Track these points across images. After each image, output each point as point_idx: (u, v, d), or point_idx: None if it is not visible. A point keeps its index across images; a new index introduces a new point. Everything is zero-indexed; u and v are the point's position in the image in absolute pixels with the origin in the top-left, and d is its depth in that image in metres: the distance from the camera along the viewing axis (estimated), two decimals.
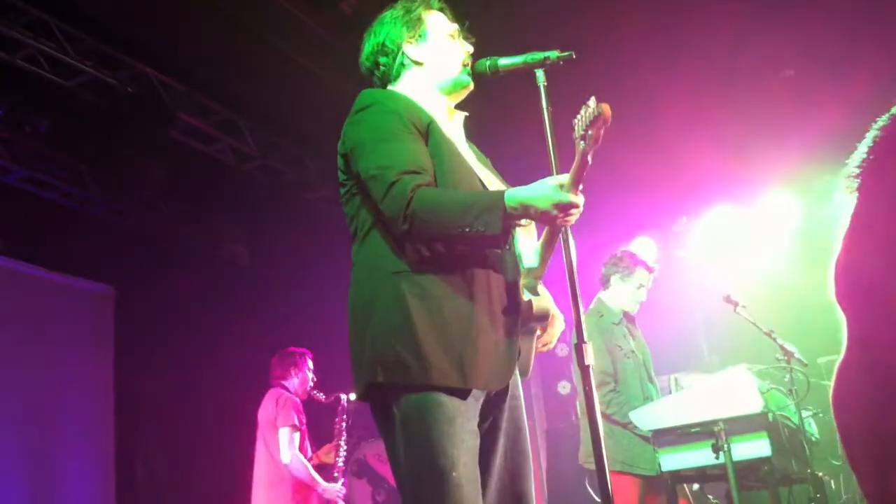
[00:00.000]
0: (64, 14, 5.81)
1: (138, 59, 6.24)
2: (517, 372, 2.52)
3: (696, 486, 5.33)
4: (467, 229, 2.24)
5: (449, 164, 2.44)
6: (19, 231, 6.79)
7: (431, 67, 2.66)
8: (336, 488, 5.94)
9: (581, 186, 2.22)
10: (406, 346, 2.30)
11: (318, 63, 6.26)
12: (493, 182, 2.59)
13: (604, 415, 4.89)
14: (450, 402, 2.29)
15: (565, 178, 2.23)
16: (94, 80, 6.22)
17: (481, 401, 2.41)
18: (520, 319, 2.44)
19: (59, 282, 7.25)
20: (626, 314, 5.32)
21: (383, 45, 2.68)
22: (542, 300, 2.44)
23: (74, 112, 6.40)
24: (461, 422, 2.29)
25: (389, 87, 2.69)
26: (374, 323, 2.39)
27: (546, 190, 2.23)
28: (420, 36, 2.67)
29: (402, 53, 2.67)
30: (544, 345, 2.60)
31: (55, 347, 7.08)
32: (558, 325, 2.59)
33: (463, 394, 2.32)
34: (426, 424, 2.27)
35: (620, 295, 5.30)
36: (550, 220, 2.28)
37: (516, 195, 2.26)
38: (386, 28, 2.70)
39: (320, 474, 5.95)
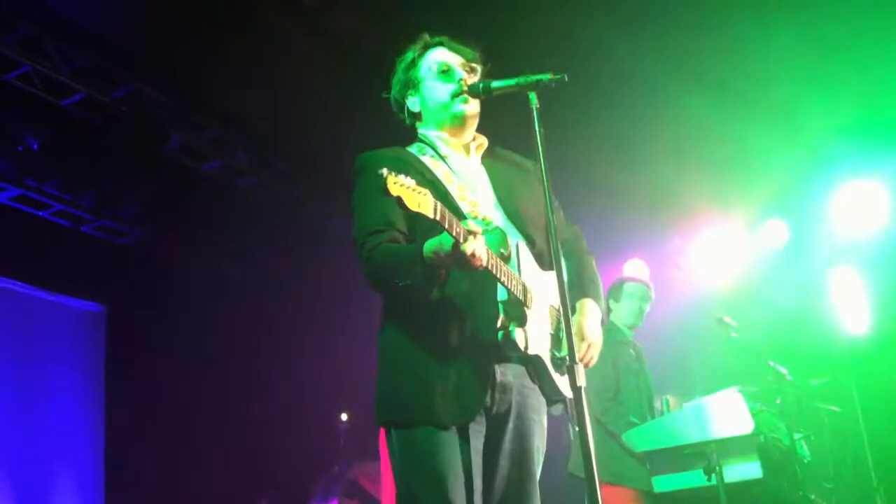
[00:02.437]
0: (57, 32, 5.83)
1: (131, 77, 6.26)
2: (526, 394, 2.60)
3: None
4: (400, 283, 2.46)
5: None
6: (11, 249, 6.77)
7: (426, 113, 2.80)
8: None
9: (466, 235, 2.25)
10: (387, 391, 2.59)
11: (310, 80, 6.28)
12: (484, 208, 2.66)
13: (598, 422, 4.90)
14: (436, 431, 2.46)
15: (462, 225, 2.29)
16: (87, 98, 6.24)
17: (474, 423, 2.50)
18: (495, 353, 2.52)
19: (50, 300, 7.23)
20: (634, 331, 5.45)
21: (395, 103, 2.87)
22: (514, 333, 2.47)
23: (67, 130, 6.40)
24: (450, 445, 2.45)
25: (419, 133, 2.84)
26: (378, 368, 2.66)
27: (441, 240, 2.32)
28: (414, 86, 2.80)
29: (406, 108, 2.83)
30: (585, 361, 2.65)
31: (46, 366, 7.05)
32: (589, 346, 2.67)
33: (444, 426, 2.47)
34: (416, 451, 2.48)
35: (621, 312, 5.48)
36: (456, 266, 2.36)
37: (427, 246, 2.37)
38: (392, 87, 2.86)
39: None
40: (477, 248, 2.28)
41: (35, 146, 6.25)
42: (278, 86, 6.36)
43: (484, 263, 2.33)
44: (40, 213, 6.88)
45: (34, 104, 6.12)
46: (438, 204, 2.21)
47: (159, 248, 7.64)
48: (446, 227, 2.22)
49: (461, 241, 2.24)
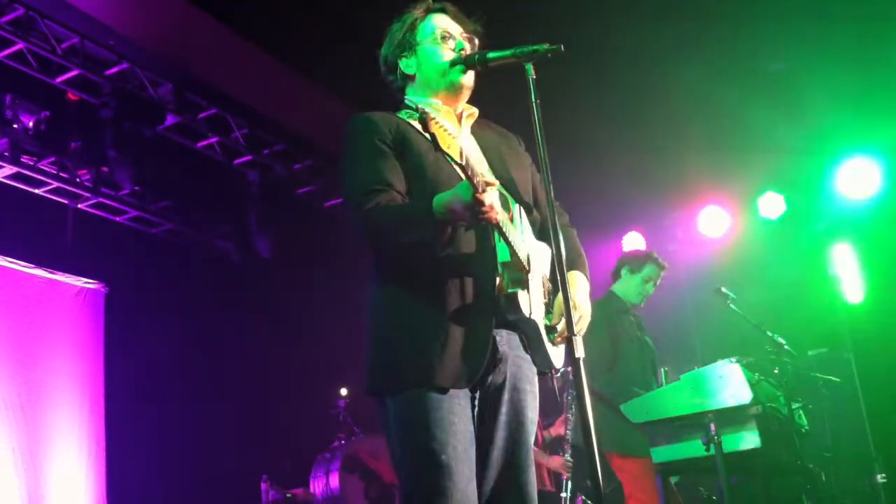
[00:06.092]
0: (51, 10, 5.80)
1: (125, 56, 6.23)
2: (520, 364, 2.57)
3: (673, 479, 5.35)
4: (407, 240, 2.45)
5: (420, 171, 2.54)
6: (7, 227, 6.75)
7: (421, 77, 2.73)
8: (562, 460, 5.97)
9: (484, 185, 2.23)
10: (383, 354, 2.53)
11: (307, 61, 6.26)
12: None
13: (597, 394, 4.90)
14: (433, 394, 2.41)
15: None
16: (81, 76, 6.21)
17: (472, 391, 2.49)
18: (493, 315, 2.48)
19: (48, 278, 7.22)
20: (634, 308, 5.44)
21: (386, 63, 2.79)
22: (517, 295, 2.45)
23: (63, 108, 6.38)
24: (448, 407, 2.41)
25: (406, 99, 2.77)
26: (368, 334, 2.59)
27: (457, 191, 2.30)
28: (410, 48, 2.73)
29: (399, 69, 2.75)
30: (560, 336, 2.60)
31: (44, 345, 7.05)
32: (580, 318, 2.59)
33: (441, 389, 2.42)
34: (414, 414, 2.42)
35: (628, 286, 5.49)
36: (469, 220, 2.35)
37: (439, 199, 2.34)
38: (385, 46, 2.79)
39: (553, 447, 6.14)
40: (494, 199, 2.27)
41: (30, 124, 6.23)
42: (275, 64, 6.33)
43: (498, 217, 2.32)
44: (36, 191, 6.85)
45: (29, 82, 6.10)
46: (464, 150, 2.20)
47: (155, 225, 7.63)
48: (468, 173, 2.20)
49: (480, 190, 2.22)
